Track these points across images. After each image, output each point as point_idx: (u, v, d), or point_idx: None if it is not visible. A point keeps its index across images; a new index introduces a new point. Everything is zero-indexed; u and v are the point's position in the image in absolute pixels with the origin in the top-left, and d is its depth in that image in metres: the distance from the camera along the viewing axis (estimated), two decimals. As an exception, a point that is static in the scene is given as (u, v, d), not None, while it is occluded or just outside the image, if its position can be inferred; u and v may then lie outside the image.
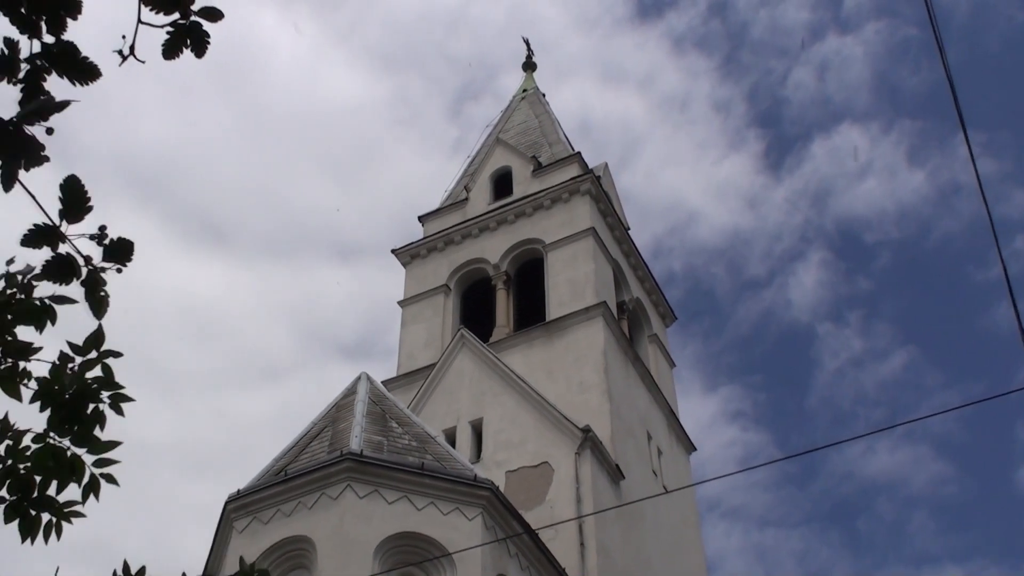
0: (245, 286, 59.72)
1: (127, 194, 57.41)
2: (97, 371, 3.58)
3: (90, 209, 3.27)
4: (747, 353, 65.00)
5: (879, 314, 63.99)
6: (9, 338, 3.47)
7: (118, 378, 3.62)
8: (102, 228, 3.33)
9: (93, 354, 3.58)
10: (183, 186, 60.11)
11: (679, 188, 66.05)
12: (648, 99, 68.47)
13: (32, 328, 3.47)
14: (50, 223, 3.26)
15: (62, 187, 3.24)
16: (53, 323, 3.46)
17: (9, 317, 3.42)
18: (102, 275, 3.37)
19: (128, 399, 3.62)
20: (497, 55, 71.62)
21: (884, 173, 65.14)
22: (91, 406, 3.57)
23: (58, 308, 3.46)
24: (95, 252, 3.35)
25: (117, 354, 3.59)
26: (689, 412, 56.14)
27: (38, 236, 3.27)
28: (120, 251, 3.36)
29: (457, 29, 69.42)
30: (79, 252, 3.33)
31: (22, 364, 3.52)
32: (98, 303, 3.40)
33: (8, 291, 3.42)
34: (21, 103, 3.19)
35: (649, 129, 67.37)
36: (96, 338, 3.57)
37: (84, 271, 3.35)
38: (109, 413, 3.63)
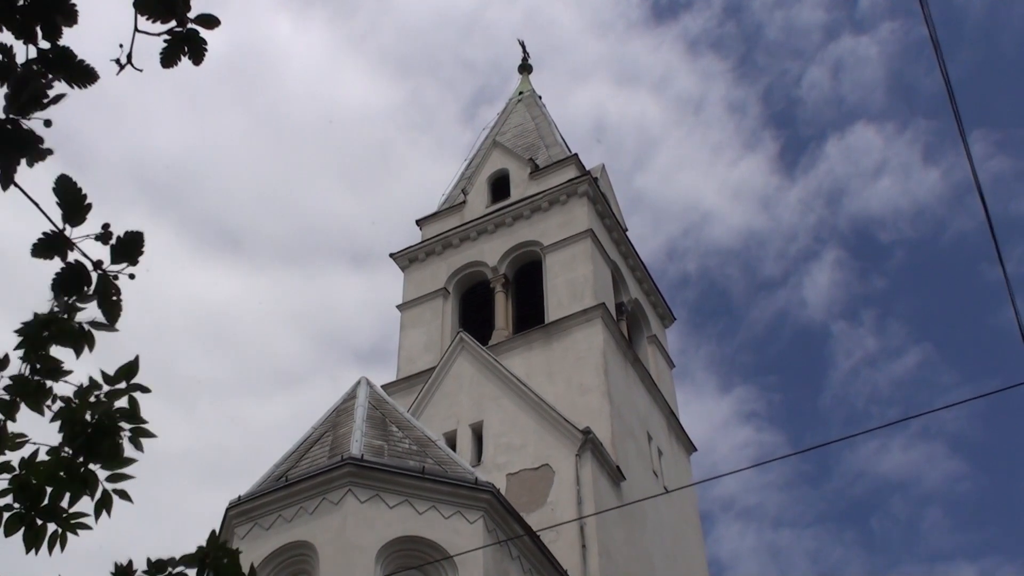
0: (260, 292, 59.48)
1: (142, 201, 57.29)
2: (124, 402, 3.51)
3: (89, 208, 3.21)
4: (761, 353, 64.89)
5: (893, 313, 63.98)
6: (43, 354, 3.40)
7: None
8: (105, 226, 3.24)
9: (122, 384, 3.50)
10: (198, 193, 60.01)
11: (694, 189, 66.02)
12: (663, 101, 68.47)
13: (71, 351, 3.39)
14: (56, 229, 3.19)
15: (55, 189, 3.18)
16: (91, 348, 3.38)
17: (46, 334, 3.35)
18: (115, 280, 3.30)
19: (149, 434, 3.55)
20: (511, 59, 71.41)
21: (899, 172, 65.15)
22: (112, 437, 3.50)
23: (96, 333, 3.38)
24: (103, 254, 3.27)
25: (145, 389, 3.51)
26: (703, 413, 56.06)
27: (47, 246, 3.20)
28: (128, 247, 3.28)
29: (472, 33, 69.38)
30: (88, 258, 3.25)
31: (49, 383, 3.44)
32: (111, 308, 3.32)
33: (54, 310, 3.34)
34: (9, 98, 3.13)
35: (664, 131, 67.36)
36: (129, 369, 3.50)
37: (94, 276, 3.27)
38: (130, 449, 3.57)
